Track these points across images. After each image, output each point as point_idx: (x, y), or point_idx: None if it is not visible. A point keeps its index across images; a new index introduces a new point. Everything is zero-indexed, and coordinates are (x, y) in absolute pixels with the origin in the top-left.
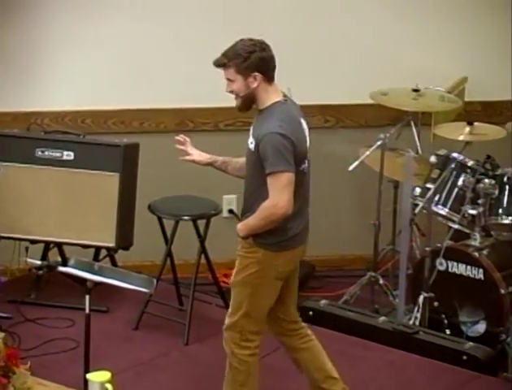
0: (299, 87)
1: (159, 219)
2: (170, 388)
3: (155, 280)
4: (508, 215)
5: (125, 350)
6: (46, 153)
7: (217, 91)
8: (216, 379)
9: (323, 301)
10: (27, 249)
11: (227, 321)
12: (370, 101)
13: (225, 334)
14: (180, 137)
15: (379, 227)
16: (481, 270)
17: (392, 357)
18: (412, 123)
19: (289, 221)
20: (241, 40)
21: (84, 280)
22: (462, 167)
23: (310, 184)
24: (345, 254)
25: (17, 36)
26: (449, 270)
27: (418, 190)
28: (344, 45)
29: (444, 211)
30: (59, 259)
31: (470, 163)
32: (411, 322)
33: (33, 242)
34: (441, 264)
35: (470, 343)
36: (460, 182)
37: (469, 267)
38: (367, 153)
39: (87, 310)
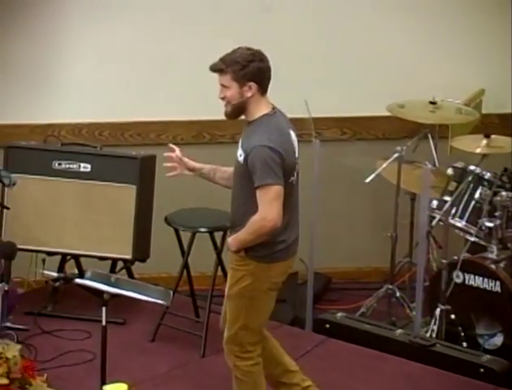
0: (316, 99)
1: (176, 231)
2: None
3: (172, 292)
4: None
5: (142, 362)
6: (63, 165)
7: None
8: None
9: (339, 314)
10: (44, 261)
11: (225, 335)
12: (387, 114)
13: (225, 348)
14: (171, 147)
15: (395, 239)
16: (498, 283)
17: (409, 369)
18: (429, 136)
19: (280, 234)
20: (240, 48)
21: (100, 292)
22: (479, 180)
23: (328, 196)
24: (362, 267)
25: (34, 49)
26: (466, 282)
27: (435, 203)
28: (361, 58)
29: (461, 224)
30: (76, 271)
31: (487, 176)
32: (428, 334)
33: (50, 254)
34: (458, 277)
35: (487, 355)
36: (477, 195)
37: (486, 280)
38: (384, 165)
39: (103, 322)
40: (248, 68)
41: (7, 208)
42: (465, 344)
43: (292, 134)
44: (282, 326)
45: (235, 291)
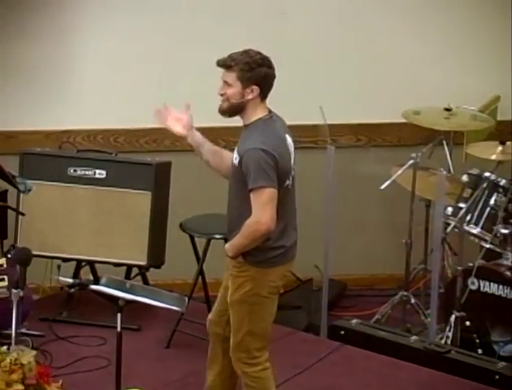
0: (331, 106)
1: (191, 238)
2: None
3: (187, 299)
4: None
5: (156, 368)
6: (78, 171)
7: None
8: None
9: (354, 320)
10: (59, 267)
11: (231, 343)
12: (402, 120)
13: (232, 356)
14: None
15: (410, 246)
16: None
17: (424, 376)
18: (444, 143)
19: (278, 239)
20: (250, 50)
21: (115, 298)
22: (494, 187)
23: (343, 202)
24: (377, 273)
25: (49, 56)
26: (481, 289)
27: (450, 209)
28: (376, 64)
29: (476, 230)
30: (91, 277)
31: (502, 182)
32: (443, 341)
33: (65, 260)
34: (473, 283)
35: (503, 362)
36: (492, 201)
37: (501, 287)
38: (399, 172)
39: (118, 328)
40: (255, 71)
41: (23, 214)
42: (480, 351)
43: (289, 138)
44: (297, 332)
45: (236, 297)
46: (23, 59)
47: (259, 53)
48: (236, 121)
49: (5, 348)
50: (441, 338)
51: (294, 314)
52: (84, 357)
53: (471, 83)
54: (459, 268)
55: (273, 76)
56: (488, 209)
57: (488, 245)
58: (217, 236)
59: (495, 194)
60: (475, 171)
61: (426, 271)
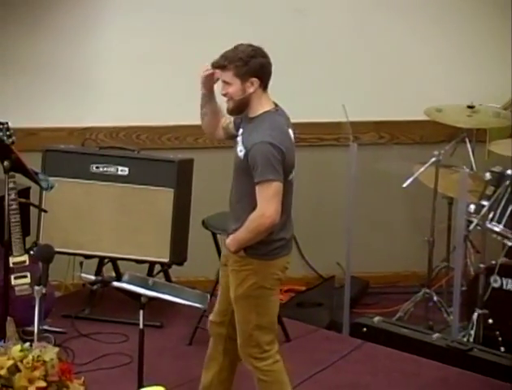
0: (354, 103)
1: (213, 235)
2: None
3: (209, 296)
4: None
5: (178, 366)
6: (101, 168)
7: None
8: None
9: (376, 318)
10: (81, 264)
11: (239, 341)
12: (424, 118)
13: (241, 353)
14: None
15: (433, 243)
16: None
17: (446, 374)
18: (467, 140)
19: (279, 231)
20: (241, 44)
21: (138, 295)
22: None
23: (365, 200)
24: (399, 271)
25: (72, 53)
26: (504, 287)
27: (472, 207)
28: (399, 62)
29: (498, 228)
30: (113, 274)
31: None
32: (465, 339)
33: (88, 257)
34: (496, 281)
35: None
36: None
37: None
38: (422, 169)
39: (141, 325)
40: (250, 64)
41: (45, 211)
42: (502, 349)
43: (291, 133)
44: (319, 330)
45: (241, 292)
46: (46, 57)
47: (250, 45)
48: None
49: (27, 344)
50: (464, 336)
51: (316, 312)
52: (106, 354)
53: (494, 80)
54: (482, 266)
55: (268, 64)
56: (511, 206)
57: (510, 243)
58: None
59: None
60: (497, 169)
61: (448, 269)
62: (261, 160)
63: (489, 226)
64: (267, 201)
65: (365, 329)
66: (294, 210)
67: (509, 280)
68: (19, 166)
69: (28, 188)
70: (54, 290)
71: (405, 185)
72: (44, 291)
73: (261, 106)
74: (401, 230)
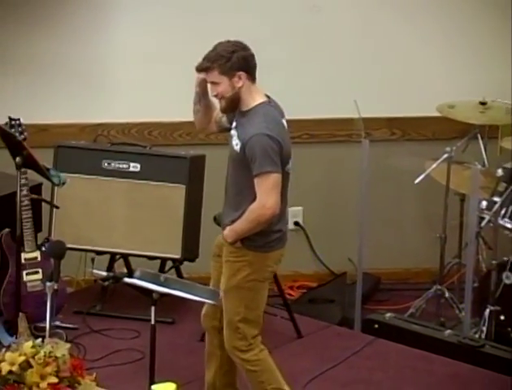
0: (366, 100)
1: None
2: None
3: (220, 292)
4: None
5: (190, 362)
6: (113, 164)
7: (283, 103)
8: None
9: (388, 314)
10: (93, 260)
11: (225, 333)
12: (436, 114)
13: (227, 346)
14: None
15: (445, 240)
16: None
17: (458, 370)
18: (479, 136)
19: (277, 223)
20: (220, 43)
21: (149, 292)
22: None
23: (377, 196)
24: (411, 267)
25: (84, 49)
26: None
27: (484, 203)
28: (410, 58)
29: (510, 225)
30: (125, 270)
31: None
32: (477, 335)
33: (99, 253)
34: (508, 277)
35: None
36: None
37: None
38: (434, 166)
39: (152, 322)
40: (233, 59)
41: (57, 207)
42: None
43: (285, 123)
44: (330, 326)
45: (233, 283)
46: (59, 54)
47: (229, 41)
48: None
49: (39, 340)
50: (476, 332)
51: (328, 308)
52: (118, 350)
53: (506, 76)
54: (494, 262)
55: (251, 56)
56: None
57: None
58: None
59: None
60: (509, 165)
61: (460, 265)
62: (259, 152)
63: (501, 222)
64: (267, 192)
65: (377, 325)
66: (306, 207)
67: None
68: (30, 163)
69: (40, 184)
70: (65, 286)
71: (417, 181)
72: (56, 287)
73: (252, 99)
74: (413, 226)
